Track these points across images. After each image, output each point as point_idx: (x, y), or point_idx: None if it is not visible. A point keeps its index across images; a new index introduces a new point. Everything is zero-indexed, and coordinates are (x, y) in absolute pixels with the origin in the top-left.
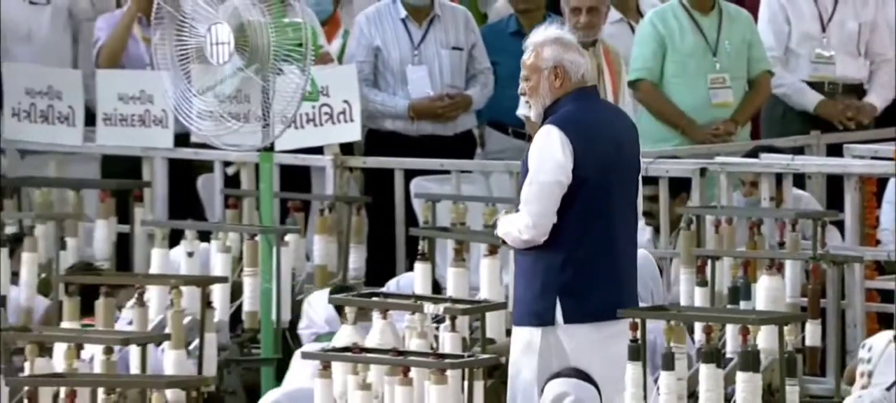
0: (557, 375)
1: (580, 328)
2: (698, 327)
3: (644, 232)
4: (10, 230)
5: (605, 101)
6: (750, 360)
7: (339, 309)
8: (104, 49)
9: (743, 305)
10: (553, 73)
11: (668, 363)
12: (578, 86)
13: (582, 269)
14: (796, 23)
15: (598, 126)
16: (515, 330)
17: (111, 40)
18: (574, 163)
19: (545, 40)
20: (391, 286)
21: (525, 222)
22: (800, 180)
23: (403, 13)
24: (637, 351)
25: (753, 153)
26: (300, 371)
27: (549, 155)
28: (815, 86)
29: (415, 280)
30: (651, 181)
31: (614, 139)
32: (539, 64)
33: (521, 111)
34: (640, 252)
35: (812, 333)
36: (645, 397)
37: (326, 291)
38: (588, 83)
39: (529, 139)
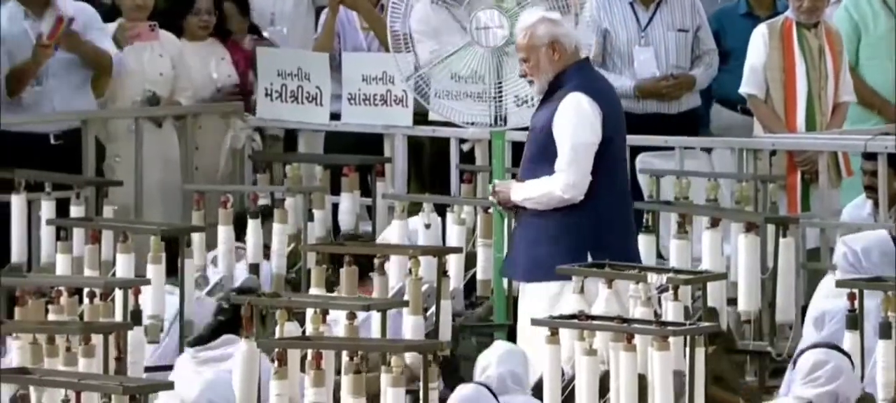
0: (814, 345)
1: None
2: None
3: (864, 206)
4: (262, 202)
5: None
6: None
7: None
8: (314, 49)
9: None
10: (551, 49)
11: (886, 332)
12: (575, 58)
13: (607, 224)
14: None
15: (608, 92)
16: (536, 286)
17: (319, 39)
18: (602, 126)
19: (535, 21)
20: None
21: (567, 182)
22: None
23: None
24: (855, 321)
25: None
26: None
27: (583, 119)
28: None
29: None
30: (871, 156)
31: (619, 104)
32: (535, 42)
33: (530, 91)
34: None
35: None
36: (863, 365)
37: None
38: (582, 55)
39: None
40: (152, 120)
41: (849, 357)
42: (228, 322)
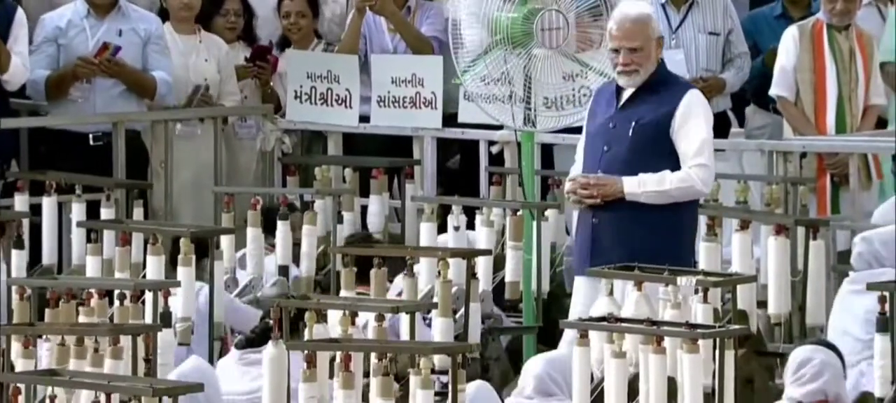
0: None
1: None
2: None
3: None
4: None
5: None
6: None
7: None
8: (340, 50)
9: None
10: (657, 43)
11: None
12: None
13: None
14: None
15: None
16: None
17: (345, 41)
18: None
19: (649, 13)
20: None
21: (708, 175)
22: None
23: None
24: (885, 324)
25: None
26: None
27: (709, 115)
28: None
29: None
30: None
31: None
32: (650, 34)
33: (628, 82)
34: None
35: None
36: (893, 366)
37: None
38: None
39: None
40: (199, 119)
41: (838, 353)
42: None
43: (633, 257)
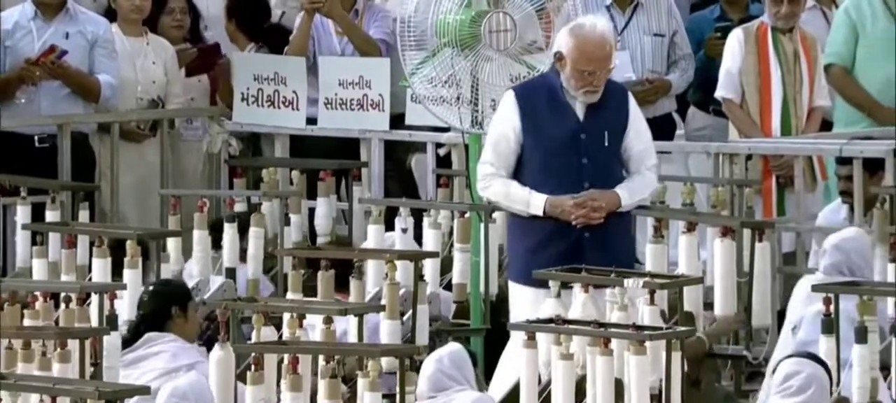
0: (789, 355)
1: None
2: (891, 302)
3: (840, 210)
4: (239, 207)
5: None
6: None
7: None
8: (288, 52)
9: None
10: None
11: (862, 336)
12: None
13: None
14: None
15: None
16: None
17: (294, 43)
18: None
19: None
20: None
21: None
22: None
23: (609, 0)
24: (830, 325)
25: None
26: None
27: None
28: None
29: None
30: (846, 161)
31: None
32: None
33: (593, 100)
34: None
35: None
36: (838, 369)
37: None
38: None
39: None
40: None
41: (826, 366)
42: (150, 316)
43: (619, 265)
